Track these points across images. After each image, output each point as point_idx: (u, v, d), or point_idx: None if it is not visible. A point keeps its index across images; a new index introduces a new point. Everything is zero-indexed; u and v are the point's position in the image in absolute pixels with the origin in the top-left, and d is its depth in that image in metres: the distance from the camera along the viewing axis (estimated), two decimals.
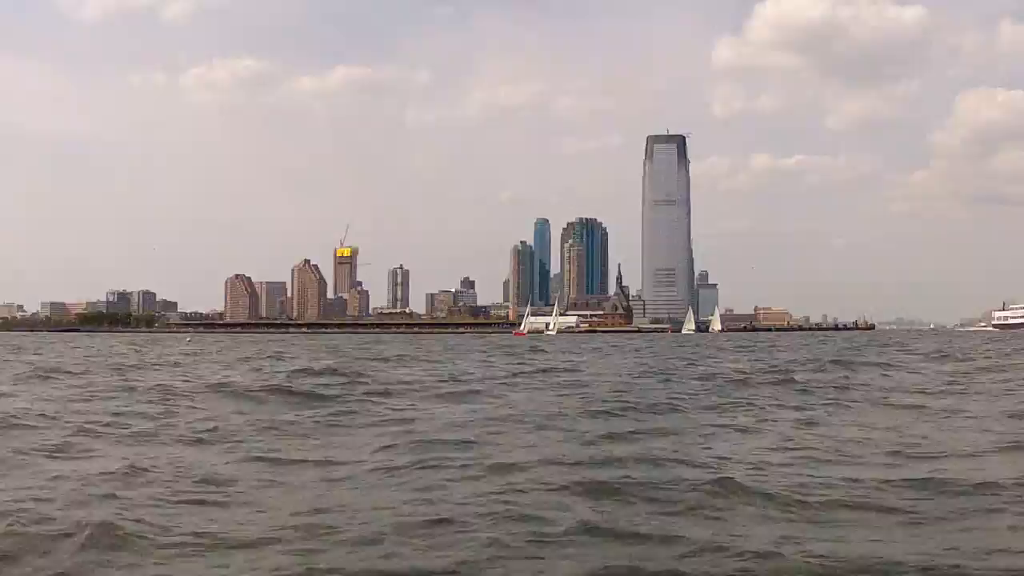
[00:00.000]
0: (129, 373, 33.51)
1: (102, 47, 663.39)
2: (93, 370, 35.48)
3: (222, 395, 22.63)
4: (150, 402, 20.41)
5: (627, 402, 20.54)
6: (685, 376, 31.63)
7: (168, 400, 20.95)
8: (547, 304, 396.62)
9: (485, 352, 63.82)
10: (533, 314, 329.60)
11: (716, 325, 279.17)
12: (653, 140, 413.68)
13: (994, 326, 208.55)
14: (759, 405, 19.90)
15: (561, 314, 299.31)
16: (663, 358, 51.26)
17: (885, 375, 31.29)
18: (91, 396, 22.35)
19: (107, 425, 15.87)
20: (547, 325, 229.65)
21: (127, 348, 75.24)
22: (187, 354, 57.34)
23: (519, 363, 44.06)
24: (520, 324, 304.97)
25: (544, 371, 35.20)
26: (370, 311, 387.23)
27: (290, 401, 21.15)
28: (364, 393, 23.13)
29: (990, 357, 47.33)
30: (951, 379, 28.69)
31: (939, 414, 17.67)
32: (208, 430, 15.26)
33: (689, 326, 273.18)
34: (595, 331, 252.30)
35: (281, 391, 23.47)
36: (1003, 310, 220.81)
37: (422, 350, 67.58)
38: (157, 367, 39.21)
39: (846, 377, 29.47)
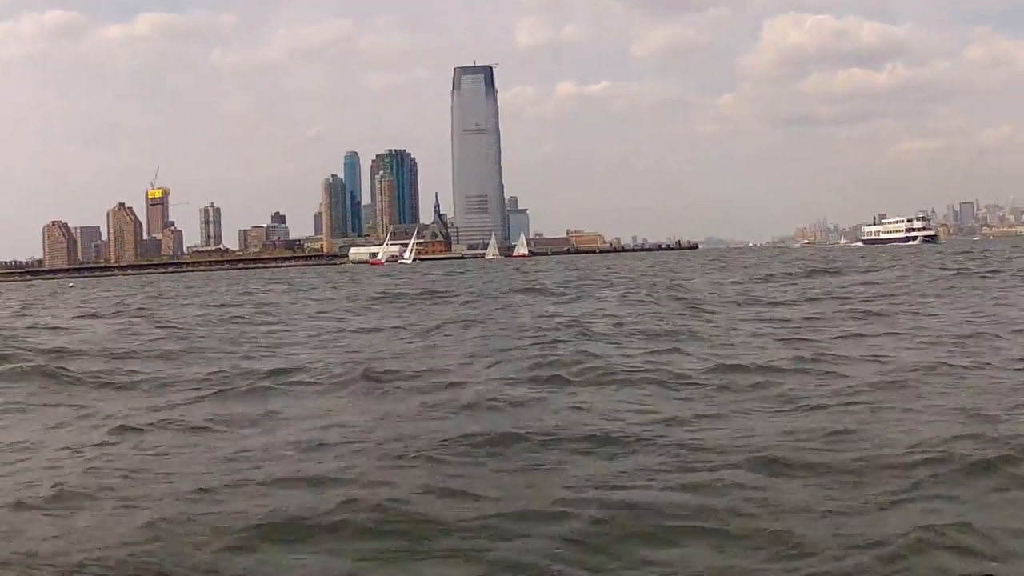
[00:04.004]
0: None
1: None
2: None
3: None
4: None
5: None
6: None
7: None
8: (360, 235, 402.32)
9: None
10: (350, 245, 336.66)
11: (521, 250, 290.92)
12: (460, 71, 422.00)
13: (863, 242, 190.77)
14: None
15: (383, 243, 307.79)
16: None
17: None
18: None
19: None
20: (401, 253, 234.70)
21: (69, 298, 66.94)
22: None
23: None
24: (334, 256, 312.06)
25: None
26: (184, 250, 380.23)
27: None
28: None
29: None
30: None
31: None
32: None
33: (493, 251, 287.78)
34: (422, 259, 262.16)
35: None
36: (873, 224, 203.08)
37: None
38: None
39: None
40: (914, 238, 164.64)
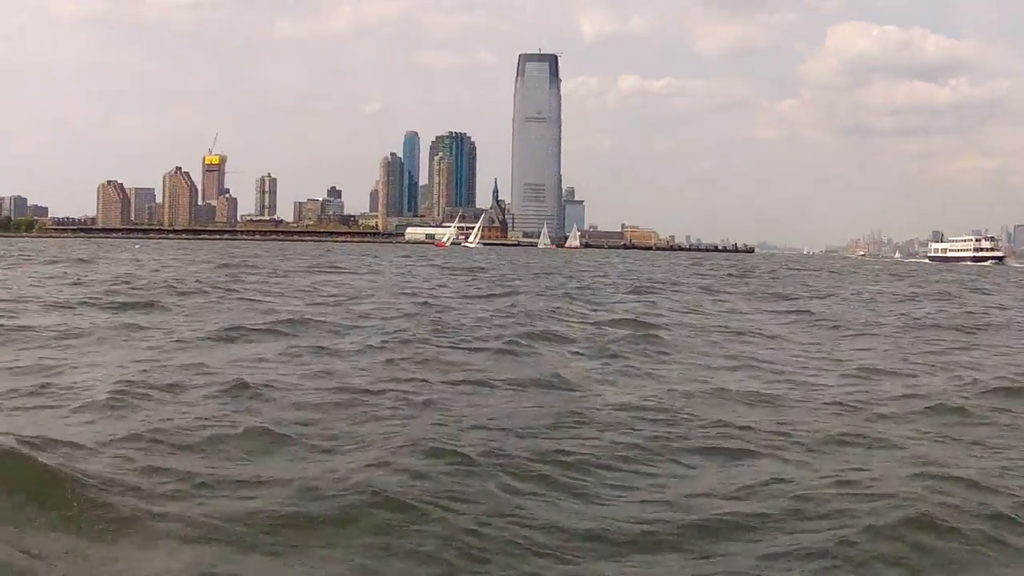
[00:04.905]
0: None
1: None
2: None
3: None
4: None
5: None
6: None
7: None
8: (415, 215, 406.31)
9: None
10: (405, 224, 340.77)
11: (573, 242, 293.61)
12: (525, 58, 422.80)
13: (930, 259, 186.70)
14: None
15: (438, 225, 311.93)
16: None
17: None
18: None
19: None
20: (459, 237, 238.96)
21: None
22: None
23: None
24: (390, 234, 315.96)
25: None
26: (238, 218, 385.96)
27: None
28: None
29: None
30: None
31: None
32: None
33: (545, 241, 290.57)
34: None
35: None
36: (941, 242, 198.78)
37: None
38: None
39: None
40: (984, 258, 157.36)
